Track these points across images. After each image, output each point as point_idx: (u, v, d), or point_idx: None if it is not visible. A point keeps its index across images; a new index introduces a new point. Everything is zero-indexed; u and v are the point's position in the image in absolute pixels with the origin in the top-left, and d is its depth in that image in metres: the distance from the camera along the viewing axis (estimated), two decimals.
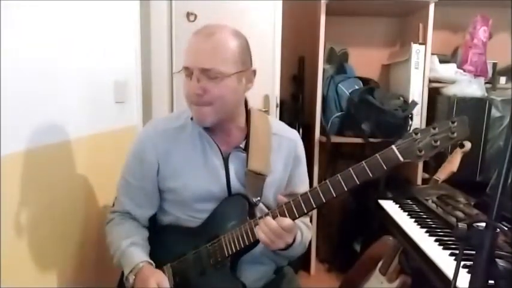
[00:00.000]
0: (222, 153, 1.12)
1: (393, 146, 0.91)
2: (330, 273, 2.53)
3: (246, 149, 1.12)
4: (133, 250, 1.11)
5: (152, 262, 1.11)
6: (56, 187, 1.20)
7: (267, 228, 0.97)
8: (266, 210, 1.09)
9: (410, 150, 0.89)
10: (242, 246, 1.04)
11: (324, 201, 0.95)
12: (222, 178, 1.12)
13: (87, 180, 1.40)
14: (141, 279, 1.06)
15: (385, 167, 0.90)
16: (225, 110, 1.06)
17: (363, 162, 0.92)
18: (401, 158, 0.90)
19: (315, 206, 0.97)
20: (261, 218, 1.01)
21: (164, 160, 1.12)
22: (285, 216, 0.98)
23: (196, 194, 1.12)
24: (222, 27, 1.04)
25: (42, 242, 1.14)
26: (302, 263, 2.49)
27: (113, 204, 1.26)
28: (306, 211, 0.97)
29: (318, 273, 2.52)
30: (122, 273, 1.24)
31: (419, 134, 0.89)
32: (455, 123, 0.87)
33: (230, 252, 1.05)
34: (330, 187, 0.95)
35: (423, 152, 0.88)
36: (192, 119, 1.12)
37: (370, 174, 0.91)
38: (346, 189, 0.93)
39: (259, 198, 1.10)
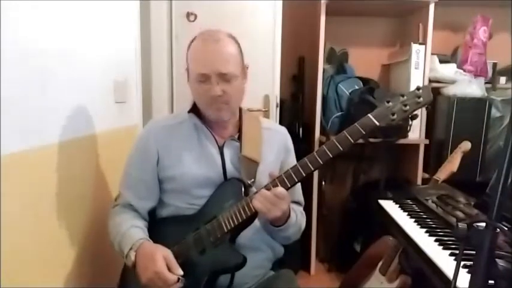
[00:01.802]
0: (217, 142, 1.22)
1: (369, 114, 1.03)
2: (330, 273, 2.53)
3: (239, 138, 1.24)
4: (133, 231, 1.17)
5: (151, 241, 1.15)
6: (56, 187, 1.20)
7: (262, 197, 1.06)
8: None
9: (384, 115, 1.01)
10: (240, 220, 1.10)
11: (312, 169, 1.05)
12: (218, 164, 1.21)
13: (87, 180, 1.40)
14: (145, 254, 1.09)
15: (363, 132, 1.01)
16: (236, 106, 1.22)
17: (344, 131, 1.03)
18: (376, 123, 1.01)
19: (304, 175, 1.06)
20: (256, 193, 1.08)
21: (164, 151, 1.21)
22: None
23: (194, 180, 1.19)
24: (220, 32, 1.17)
25: (42, 242, 1.14)
26: (302, 263, 2.49)
27: (115, 200, 1.28)
28: (296, 180, 1.07)
29: (318, 273, 2.53)
30: (123, 271, 1.24)
31: (391, 103, 1.01)
32: (421, 90, 1.00)
33: (229, 227, 1.11)
34: (317, 157, 1.05)
35: (396, 116, 1.00)
36: (189, 112, 1.23)
37: (352, 140, 1.02)
38: (331, 156, 1.03)
39: (253, 180, 1.18)
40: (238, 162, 1.20)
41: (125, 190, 1.26)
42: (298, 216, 1.23)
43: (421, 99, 1.00)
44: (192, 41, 1.18)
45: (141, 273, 1.08)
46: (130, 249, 1.11)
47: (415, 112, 1.02)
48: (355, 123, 1.03)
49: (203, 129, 1.22)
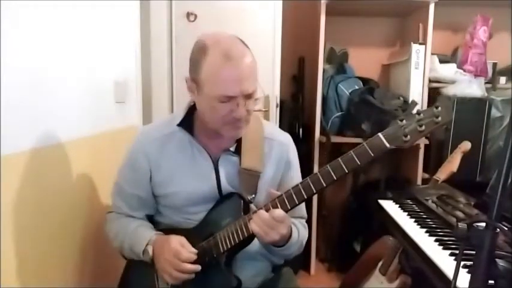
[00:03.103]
0: (211, 157, 1.15)
1: (379, 134, 0.93)
2: (330, 273, 2.53)
3: (238, 150, 1.15)
4: (143, 229, 1.16)
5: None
6: (56, 187, 1.20)
7: (259, 220, 0.99)
8: None
9: (396, 136, 0.91)
10: (236, 241, 1.05)
11: (314, 191, 0.98)
12: (213, 180, 1.14)
13: (87, 180, 1.40)
14: (160, 241, 1.09)
15: (372, 154, 0.92)
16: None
17: (351, 151, 0.94)
18: (387, 145, 0.91)
19: (305, 197, 0.99)
20: (254, 212, 1.03)
21: (156, 167, 1.15)
22: (277, 208, 1.00)
23: (187, 198, 1.15)
24: (236, 41, 1.04)
25: (42, 242, 1.14)
26: (302, 263, 2.49)
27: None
28: (297, 202, 0.99)
29: (318, 273, 2.53)
30: (124, 271, 1.24)
31: (404, 121, 0.91)
32: (439, 108, 0.89)
33: (225, 248, 1.07)
34: (320, 178, 0.97)
35: (409, 137, 0.91)
36: (178, 125, 1.14)
37: (359, 162, 0.93)
38: (335, 178, 0.95)
39: (253, 195, 1.12)
40: (234, 177, 1.14)
41: (119, 201, 1.21)
42: (300, 232, 1.17)
43: (440, 118, 0.89)
44: (202, 49, 1.02)
45: (157, 257, 1.08)
46: (147, 244, 1.10)
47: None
48: (363, 143, 0.93)
49: (196, 144, 1.14)
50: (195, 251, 1.06)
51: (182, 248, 1.05)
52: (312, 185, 0.97)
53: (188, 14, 2.34)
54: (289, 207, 1.00)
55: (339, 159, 0.95)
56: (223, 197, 1.14)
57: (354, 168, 0.94)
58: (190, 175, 1.14)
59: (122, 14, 1.70)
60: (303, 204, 1.22)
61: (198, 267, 1.05)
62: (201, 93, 1.05)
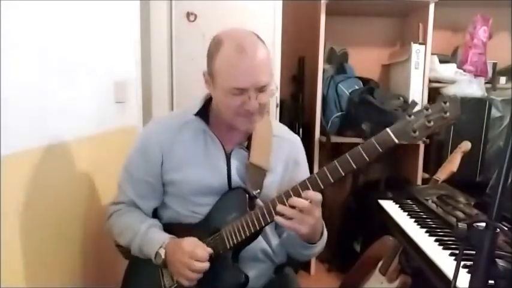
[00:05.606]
0: (224, 149, 1.15)
1: (388, 129, 0.91)
2: (330, 273, 2.53)
3: (248, 146, 1.15)
4: (155, 230, 1.14)
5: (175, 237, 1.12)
6: (56, 187, 1.20)
7: (288, 209, 0.96)
8: None
9: (404, 131, 0.90)
10: (243, 237, 1.05)
11: (322, 186, 0.97)
12: (223, 172, 1.14)
13: (87, 180, 1.40)
14: (172, 250, 1.07)
15: (380, 150, 0.91)
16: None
17: (359, 146, 0.93)
18: (396, 140, 0.90)
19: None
20: (265, 204, 1.02)
21: (168, 153, 1.15)
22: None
23: (195, 188, 1.14)
24: (250, 35, 1.05)
25: (42, 241, 1.14)
26: (302, 263, 2.49)
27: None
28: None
29: (318, 273, 2.52)
30: (126, 271, 1.23)
31: (413, 116, 0.90)
32: (447, 104, 0.88)
33: (231, 245, 1.07)
34: (328, 173, 0.96)
35: (417, 133, 0.89)
36: (195, 115, 1.14)
37: (367, 158, 0.92)
38: (343, 174, 0.94)
39: (259, 191, 1.12)
40: (244, 172, 1.13)
41: (127, 188, 1.20)
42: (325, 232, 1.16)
43: (448, 114, 0.87)
44: (217, 43, 1.04)
45: (171, 261, 1.07)
46: (160, 247, 1.08)
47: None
48: (372, 138, 0.92)
49: (211, 135, 1.14)
50: (210, 250, 1.06)
51: (196, 249, 1.04)
52: (319, 180, 0.97)
53: (188, 14, 2.34)
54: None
55: (346, 154, 0.94)
56: (228, 191, 1.14)
57: (363, 164, 0.92)
58: (202, 164, 1.14)
59: (122, 14, 1.70)
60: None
61: (207, 265, 1.04)
62: (215, 85, 1.06)
